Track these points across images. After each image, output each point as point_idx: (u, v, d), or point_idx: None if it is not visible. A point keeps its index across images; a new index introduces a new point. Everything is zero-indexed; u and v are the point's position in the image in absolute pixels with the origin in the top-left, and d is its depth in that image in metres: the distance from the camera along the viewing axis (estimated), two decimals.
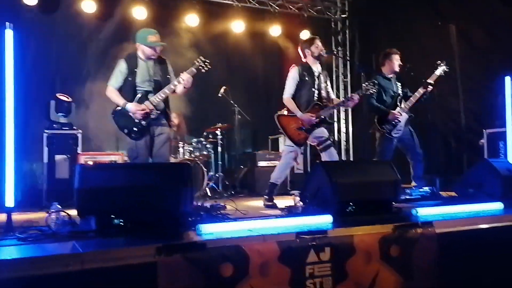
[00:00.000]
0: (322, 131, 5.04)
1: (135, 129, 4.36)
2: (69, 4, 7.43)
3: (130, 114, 4.33)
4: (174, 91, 4.45)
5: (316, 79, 5.04)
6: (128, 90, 4.39)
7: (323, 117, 4.95)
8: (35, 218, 3.90)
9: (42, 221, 3.32)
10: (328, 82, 5.23)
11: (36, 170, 6.42)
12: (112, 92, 4.42)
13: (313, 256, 2.76)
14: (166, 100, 4.52)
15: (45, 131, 6.09)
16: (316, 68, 5.10)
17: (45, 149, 6.04)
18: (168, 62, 4.62)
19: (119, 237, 2.81)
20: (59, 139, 6.13)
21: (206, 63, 4.44)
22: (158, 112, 4.42)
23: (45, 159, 6.02)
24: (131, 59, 4.43)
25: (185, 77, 4.34)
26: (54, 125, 6.22)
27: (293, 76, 5.03)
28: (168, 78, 4.49)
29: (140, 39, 4.40)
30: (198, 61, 4.44)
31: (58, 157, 6.07)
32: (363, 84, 4.92)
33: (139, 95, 4.38)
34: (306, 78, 5.00)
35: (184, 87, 4.43)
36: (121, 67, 4.42)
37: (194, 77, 4.43)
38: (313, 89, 5.00)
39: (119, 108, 4.39)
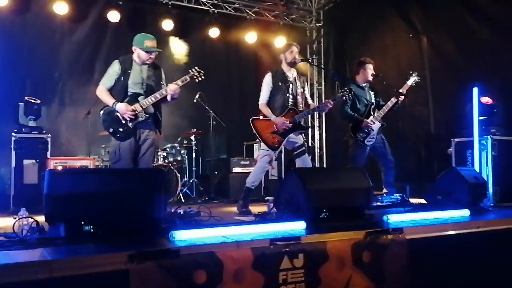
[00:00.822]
0: (298, 138, 5.09)
1: (120, 129, 4.36)
2: (40, 5, 7.29)
3: (118, 114, 4.32)
4: (165, 98, 4.44)
5: (291, 84, 5.09)
6: (119, 90, 4.39)
7: (297, 121, 4.99)
8: (1, 224, 3.79)
9: (9, 227, 3.23)
10: (306, 88, 5.29)
11: (4, 175, 6.24)
12: (102, 91, 4.42)
13: (287, 263, 2.76)
14: (158, 106, 4.53)
15: (13, 134, 5.92)
16: (291, 74, 5.15)
17: (13, 153, 5.86)
18: (162, 69, 4.65)
19: (89, 244, 2.73)
20: (28, 143, 5.96)
21: (200, 73, 4.52)
22: (147, 115, 4.41)
23: (13, 164, 5.85)
24: (126, 61, 4.46)
25: (172, 88, 4.37)
26: (23, 129, 6.05)
27: (267, 82, 5.08)
28: (161, 85, 4.52)
29: (137, 43, 4.43)
30: (193, 71, 4.52)
31: (26, 161, 5.90)
32: (339, 90, 5.02)
33: (129, 96, 4.39)
34: (280, 84, 5.04)
35: (172, 97, 4.44)
36: (115, 68, 4.43)
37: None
38: (287, 95, 5.05)
39: (107, 107, 4.38)
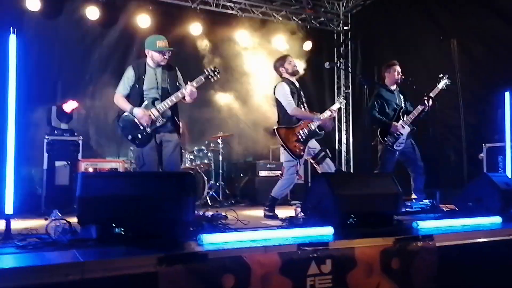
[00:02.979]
0: (315, 144, 5.09)
1: (139, 135, 4.36)
2: (72, 10, 7.44)
3: (136, 120, 4.33)
4: (184, 98, 4.42)
5: (300, 92, 5.14)
6: (135, 97, 4.41)
7: (313, 128, 4.99)
8: (33, 226, 3.87)
9: (41, 228, 3.30)
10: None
11: (35, 176, 6.38)
12: (119, 98, 4.45)
13: (314, 268, 2.75)
14: (174, 108, 4.50)
15: (46, 137, 6.07)
16: (296, 82, 5.20)
17: (45, 155, 6.02)
18: (177, 69, 4.63)
19: (119, 246, 2.78)
20: (60, 145, 6.11)
21: (216, 73, 4.47)
22: (164, 119, 4.40)
23: (45, 165, 6.00)
24: (139, 66, 4.47)
25: (188, 89, 4.35)
26: (55, 131, 6.21)
27: (285, 89, 5.05)
28: (177, 86, 4.51)
29: (149, 45, 4.44)
30: (208, 70, 4.47)
31: (58, 163, 6.05)
32: (337, 98, 5.04)
33: (146, 102, 4.39)
34: (294, 92, 5.07)
35: (190, 98, 4.41)
36: (129, 74, 4.45)
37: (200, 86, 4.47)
38: (299, 102, 5.09)
39: (125, 113, 4.40)
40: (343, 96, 5.05)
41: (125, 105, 4.40)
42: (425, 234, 3.22)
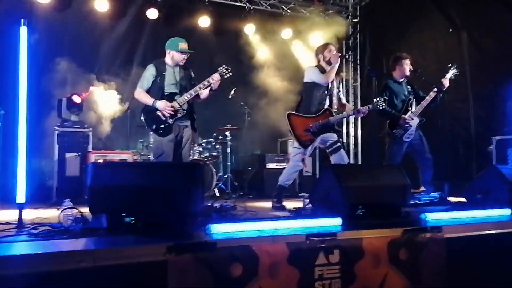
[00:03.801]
0: (331, 135, 5.06)
1: (162, 126, 4.67)
2: (81, 2, 7.49)
3: (158, 112, 4.63)
4: (198, 96, 4.80)
5: (329, 84, 5.06)
6: (156, 91, 4.71)
7: (331, 123, 4.97)
8: (45, 215, 3.94)
9: (52, 218, 3.36)
10: (341, 88, 5.26)
11: (46, 167, 6.46)
12: (140, 93, 4.75)
13: (322, 258, 2.76)
14: (192, 105, 4.86)
15: (56, 128, 6.13)
16: None
17: (56, 147, 6.09)
18: (191, 70, 4.96)
19: (130, 235, 2.82)
20: (70, 137, 6.19)
21: (228, 70, 4.79)
22: (185, 111, 4.74)
23: (56, 157, 6.08)
24: (160, 64, 4.79)
25: (215, 77, 4.69)
26: (65, 123, 6.27)
27: (314, 72, 5.06)
28: (192, 84, 4.81)
29: (172, 46, 4.77)
30: (221, 68, 4.78)
31: (68, 154, 6.13)
32: (374, 99, 4.94)
33: (166, 96, 4.69)
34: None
35: (212, 89, 4.76)
36: (151, 71, 4.76)
37: (205, 75, 4.76)
38: (325, 92, 5.04)
39: (148, 106, 4.70)
40: (382, 99, 4.96)
41: (147, 99, 4.70)
42: (433, 226, 3.21)
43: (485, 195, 4.46)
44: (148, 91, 4.73)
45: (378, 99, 4.93)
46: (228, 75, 4.80)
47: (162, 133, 4.68)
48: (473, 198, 4.58)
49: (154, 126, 4.69)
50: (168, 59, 4.81)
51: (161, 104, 4.61)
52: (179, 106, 4.67)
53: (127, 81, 7.16)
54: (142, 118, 4.76)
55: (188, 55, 4.82)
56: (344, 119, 9.24)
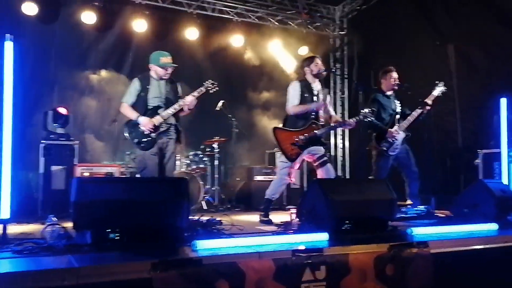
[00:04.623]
0: (319, 148, 5.05)
1: (144, 140, 4.68)
2: (68, 15, 7.45)
3: (141, 126, 4.64)
4: (182, 109, 4.78)
5: (315, 97, 5.08)
6: (141, 104, 4.73)
7: (318, 136, 4.98)
8: (30, 230, 3.88)
9: (37, 232, 3.31)
10: (328, 100, 5.24)
11: (32, 180, 6.37)
12: (126, 108, 4.77)
13: (309, 274, 2.76)
14: (177, 118, 4.86)
15: (42, 141, 6.06)
16: (315, 86, 5.13)
17: (41, 160, 5.99)
18: (178, 84, 4.98)
19: (114, 252, 2.79)
20: (56, 149, 6.09)
21: (214, 85, 4.85)
22: (168, 125, 4.73)
23: (41, 170, 5.98)
24: (145, 78, 4.80)
25: (189, 99, 4.72)
26: (51, 136, 6.19)
27: (295, 88, 5.06)
28: (179, 98, 4.84)
29: (153, 61, 4.77)
30: (207, 83, 4.84)
31: (54, 167, 6.03)
32: (362, 111, 4.95)
33: (150, 110, 4.71)
34: (306, 95, 5.03)
35: (188, 109, 4.78)
36: (135, 85, 4.77)
37: (192, 87, 4.80)
38: None
39: (132, 121, 4.72)
40: (370, 111, 4.98)
41: (131, 113, 4.72)
42: (420, 241, 3.23)
43: (472, 209, 4.49)
44: (134, 105, 4.75)
45: (366, 110, 4.94)
46: (214, 89, 4.84)
47: (144, 146, 4.68)
48: (460, 212, 4.61)
49: (136, 140, 4.69)
50: (152, 73, 4.81)
51: (142, 121, 4.63)
52: (162, 120, 4.67)
53: (115, 93, 7.11)
54: (125, 131, 4.76)
55: (172, 69, 4.80)
56: (332, 131, 9.31)
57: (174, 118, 4.80)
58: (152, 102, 4.74)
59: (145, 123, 4.63)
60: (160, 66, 4.73)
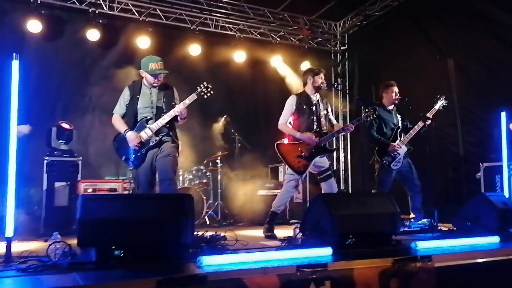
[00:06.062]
0: (324, 161, 5.08)
1: (133, 156, 4.42)
2: (73, 32, 7.57)
3: (128, 142, 4.37)
4: (176, 118, 4.44)
5: (314, 107, 5.12)
6: (130, 116, 4.46)
7: (322, 144, 5.00)
8: (33, 247, 3.88)
9: (41, 250, 3.32)
10: (329, 110, 5.28)
11: (34, 197, 6.35)
12: (116, 119, 4.51)
13: None
14: (171, 126, 4.51)
15: (46, 157, 6.08)
16: (315, 97, 5.18)
17: (45, 176, 6.00)
18: (174, 89, 4.65)
19: (119, 269, 2.80)
20: (59, 166, 6.09)
21: (208, 89, 4.49)
22: (157, 138, 4.40)
23: (45, 186, 5.99)
24: (135, 86, 4.53)
25: (179, 108, 4.37)
26: (54, 152, 6.22)
27: (290, 103, 5.14)
28: (173, 105, 4.45)
29: (143, 67, 4.47)
30: (200, 87, 4.49)
31: (57, 184, 6.02)
32: (364, 111, 5.00)
33: (139, 122, 4.43)
34: (304, 107, 5.08)
35: (181, 118, 4.44)
36: (125, 94, 4.52)
37: (194, 103, 4.48)
38: (312, 117, 5.09)
39: (119, 135, 4.46)
40: (371, 109, 5.03)
41: (120, 126, 4.45)
42: (423, 255, 3.23)
43: (474, 222, 4.49)
44: (124, 116, 4.49)
45: (367, 110, 4.99)
46: (208, 94, 4.49)
47: (132, 163, 4.42)
48: (463, 225, 4.61)
49: (124, 157, 4.44)
50: (144, 80, 4.51)
51: (130, 136, 4.33)
52: (151, 133, 4.35)
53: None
54: (114, 146, 4.52)
55: (164, 75, 4.49)
56: (334, 143, 9.33)
57: (167, 127, 4.44)
58: (142, 112, 4.43)
59: (131, 139, 4.32)
60: (149, 73, 4.40)
